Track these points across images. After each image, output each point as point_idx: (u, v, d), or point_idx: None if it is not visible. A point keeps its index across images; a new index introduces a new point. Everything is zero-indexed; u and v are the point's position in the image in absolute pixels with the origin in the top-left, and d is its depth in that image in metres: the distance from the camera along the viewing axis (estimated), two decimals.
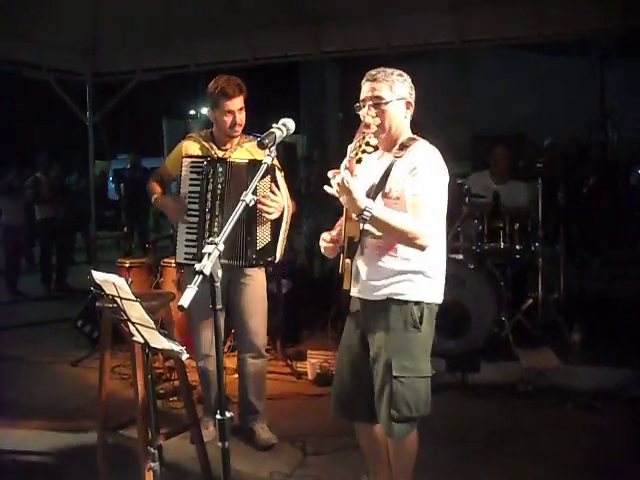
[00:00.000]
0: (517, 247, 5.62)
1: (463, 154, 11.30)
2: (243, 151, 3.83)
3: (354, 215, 2.55)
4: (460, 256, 5.57)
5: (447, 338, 5.21)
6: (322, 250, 2.88)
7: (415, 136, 2.79)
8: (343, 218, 2.71)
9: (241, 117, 3.78)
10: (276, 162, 3.67)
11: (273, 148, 2.35)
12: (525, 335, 5.58)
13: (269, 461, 3.77)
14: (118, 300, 2.61)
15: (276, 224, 3.73)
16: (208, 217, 3.71)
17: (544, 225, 5.83)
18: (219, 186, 3.69)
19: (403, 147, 2.71)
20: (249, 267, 3.77)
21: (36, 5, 5.93)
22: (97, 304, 3.39)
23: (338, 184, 2.46)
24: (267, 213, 3.64)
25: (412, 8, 5.99)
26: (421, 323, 2.70)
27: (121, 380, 4.92)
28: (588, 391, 4.52)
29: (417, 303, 2.70)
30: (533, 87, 12.98)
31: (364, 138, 2.53)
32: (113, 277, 2.59)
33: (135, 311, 2.60)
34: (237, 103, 3.75)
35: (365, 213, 2.47)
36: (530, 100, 12.78)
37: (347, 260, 2.66)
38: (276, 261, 3.78)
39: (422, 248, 2.59)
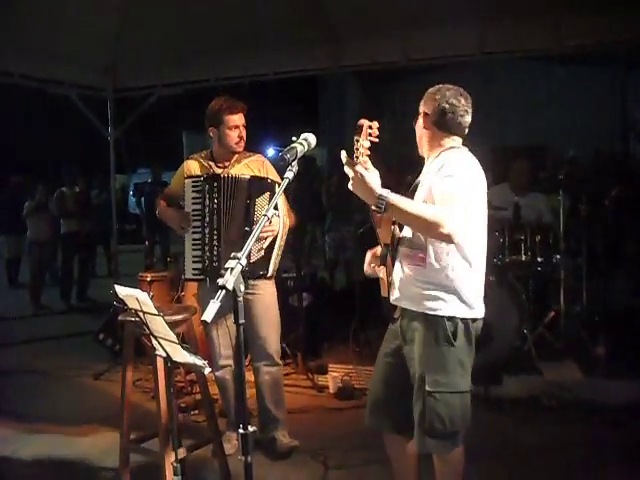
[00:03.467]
0: (539, 259, 5.57)
1: (482, 166, 11.26)
2: (241, 167, 3.91)
3: (372, 206, 2.53)
4: None
5: None
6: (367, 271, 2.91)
7: (456, 146, 2.80)
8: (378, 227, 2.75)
9: (244, 133, 3.92)
10: (278, 179, 3.79)
11: (295, 163, 2.35)
12: (548, 348, 5.52)
13: (290, 475, 3.76)
14: (141, 314, 2.63)
15: (271, 240, 3.78)
16: (208, 232, 3.79)
17: (566, 237, 5.79)
18: (215, 201, 3.78)
19: (439, 155, 2.77)
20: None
21: (58, 22, 6.01)
22: (119, 318, 3.41)
23: (352, 178, 2.49)
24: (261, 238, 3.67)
25: (432, 21, 5.98)
26: (455, 338, 2.64)
27: (142, 393, 4.93)
28: (614, 406, 4.44)
29: (450, 318, 2.64)
30: (554, 98, 12.92)
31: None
32: (137, 292, 2.60)
33: (158, 325, 2.62)
34: (240, 119, 3.89)
35: (380, 201, 2.47)
36: (551, 111, 12.72)
37: (381, 267, 2.63)
38: (268, 275, 3.83)
39: (449, 238, 2.48)
